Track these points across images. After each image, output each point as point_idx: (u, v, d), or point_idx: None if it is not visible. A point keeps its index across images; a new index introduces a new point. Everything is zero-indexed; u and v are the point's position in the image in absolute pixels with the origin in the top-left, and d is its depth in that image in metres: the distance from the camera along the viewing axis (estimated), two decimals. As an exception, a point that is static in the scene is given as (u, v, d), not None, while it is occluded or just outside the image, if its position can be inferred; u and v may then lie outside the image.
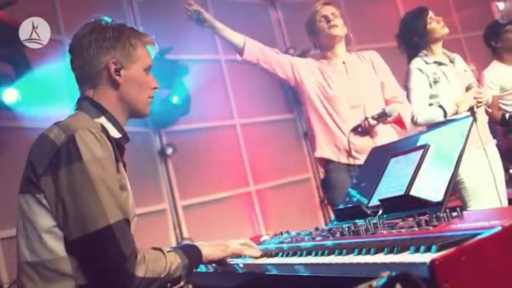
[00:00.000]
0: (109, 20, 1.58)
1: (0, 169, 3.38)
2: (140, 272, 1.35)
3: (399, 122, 2.77)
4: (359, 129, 2.66)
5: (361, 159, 2.63)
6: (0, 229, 3.34)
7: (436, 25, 2.97)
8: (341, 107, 2.73)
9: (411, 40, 3.02)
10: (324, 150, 2.75)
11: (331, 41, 2.79)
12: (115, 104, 1.54)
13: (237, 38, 2.75)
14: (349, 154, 2.66)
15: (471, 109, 2.82)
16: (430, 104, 2.91)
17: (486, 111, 3.00)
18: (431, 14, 2.99)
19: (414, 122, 2.93)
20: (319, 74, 2.79)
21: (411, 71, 2.97)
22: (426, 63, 2.95)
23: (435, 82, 2.89)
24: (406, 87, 2.98)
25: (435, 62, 2.95)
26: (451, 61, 3.03)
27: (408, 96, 2.95)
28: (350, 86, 2.76)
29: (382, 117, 2.61)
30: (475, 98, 2.82)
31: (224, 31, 2.74)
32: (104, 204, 1.33)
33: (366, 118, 2.63)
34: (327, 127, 2.75)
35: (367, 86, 2.77)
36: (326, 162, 2.78)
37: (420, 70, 2.93)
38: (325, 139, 2.75)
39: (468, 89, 2.87)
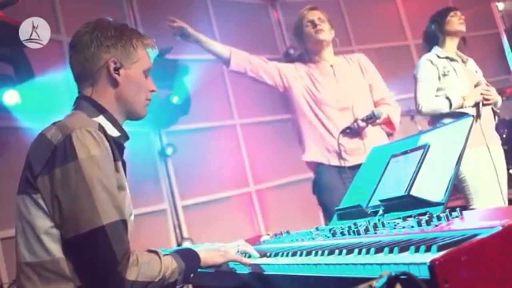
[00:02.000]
0: (111, 20, 1.57)
1: (0, 169, 3.38)
2: (131, 275, 1.32)
3: (388, 123, 2.80)
4: (348, 131, 2.69)
5: (351, 161, 2.67)
6: (0, 229, 3.34)
7: (456, 19, 3.06)
8: (329, 109, 2.75)
9: (430, 29, 3.12)
10: (313, 153, 2.77)
11: (318, 46, 2.82)
12: (112, 103, 1.53)
13: (223, 50, 2.79)
14: (339, 156, 2.68)
15: (476, 105, 2.85)
16: (437, 96, 2.95)
17: (495, 113, 3.01)
18: (456, 11, 3.10)
19: (419, 111, 2.97)
20: (307, 78, 2.82)
21: (421, 62, 3.04)
22: (438, 57, 3.02)
23: (444, 75, 2.95)
24: (414, 77, 3.03)
25: (447, 58, 3.02)
26: (463, 61, 3.10)
27: (415, 86, 3.01)
28: (338, 88, 2.78)
29: (370, 118, 2.64)
30: (481, 94, 2.85)
31: (209, 44, 2.79)
32: (98, 204, 1.31)
33: (356, 120, 2.67)
34: (316, 130, 2.77)
35: (355, 89, 2.80)
36: (315, 165, 2.79)
37: (431, 61, 2.99)
38: (314, 142, 2.77)
39: (476, 85, 2.91)
